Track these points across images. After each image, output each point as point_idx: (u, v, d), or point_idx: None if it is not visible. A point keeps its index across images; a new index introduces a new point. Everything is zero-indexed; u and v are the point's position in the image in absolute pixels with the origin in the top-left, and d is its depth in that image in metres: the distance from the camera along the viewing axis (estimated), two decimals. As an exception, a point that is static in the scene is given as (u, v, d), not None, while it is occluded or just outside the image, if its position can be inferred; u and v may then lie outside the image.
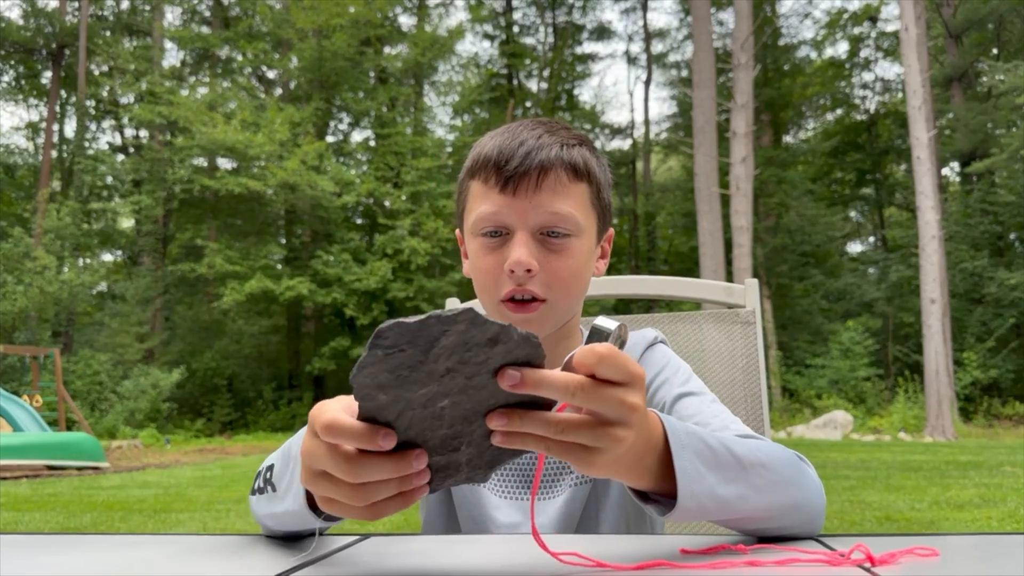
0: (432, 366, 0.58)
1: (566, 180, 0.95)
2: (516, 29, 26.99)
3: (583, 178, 0.97)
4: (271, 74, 24.06)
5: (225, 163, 20.56)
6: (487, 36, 26.60)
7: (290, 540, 0.84)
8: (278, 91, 23.48)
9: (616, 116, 46.97)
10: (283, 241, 22.48)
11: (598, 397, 0.59)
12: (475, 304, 1.30)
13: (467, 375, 0.59)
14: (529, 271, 0.93)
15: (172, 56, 24.45)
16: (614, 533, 1.03)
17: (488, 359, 0.58)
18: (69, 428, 13.81)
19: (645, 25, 28.01)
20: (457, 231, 1.07)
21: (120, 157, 23.18)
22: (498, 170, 0.94)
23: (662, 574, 0.62)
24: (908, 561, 0.64)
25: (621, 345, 0.66)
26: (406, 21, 24.60)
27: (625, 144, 28.48)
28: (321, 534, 0.84)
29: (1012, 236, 20.40)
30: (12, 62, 24.18)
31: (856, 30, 25.61)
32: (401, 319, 0.56)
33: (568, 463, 0.63)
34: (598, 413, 0.61)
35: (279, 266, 20.59)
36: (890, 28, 24.47)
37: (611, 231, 1.07)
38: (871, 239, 27.34)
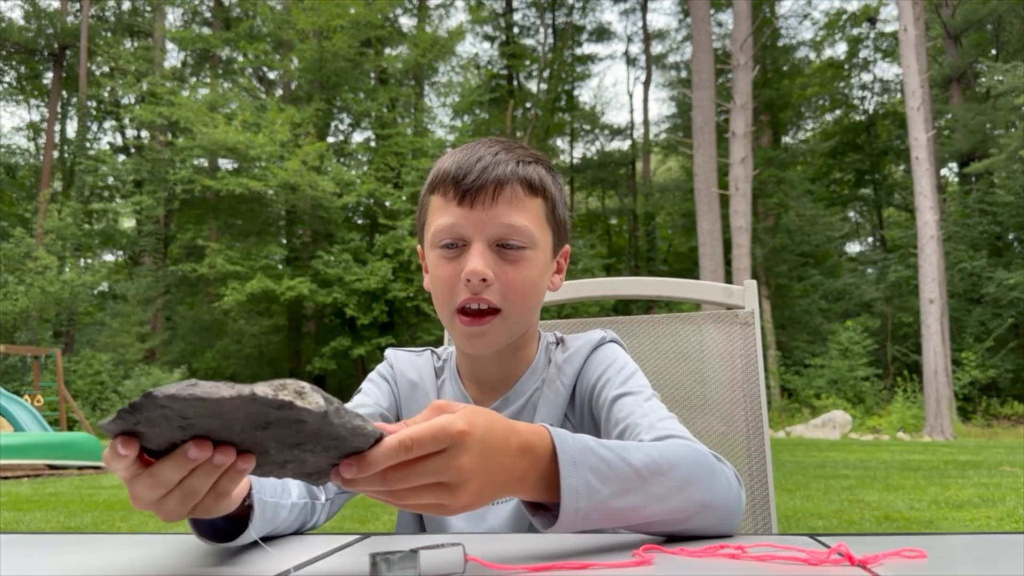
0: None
1: (522, 194, 0.98)
2: (516, 30, 26.99)
3: (538, 193, 1.00)
4: (272, 75, 24.07)
5: (226, 163, 20.56)
6: (487, 37, 26.60)
7: (288, 541, 0.85)
8: (279, 92, 23.47)
9: (616, 117, 46.84)
10: (284, 241, 22.49)
11: (425, 439, 0.62)
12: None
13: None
14: (484, 280, 0.95)
15: (173, 57, 24.49)
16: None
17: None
18: (70, 428, 13.80)
19: (644, 26, 28.01)
20: (419, 246, 1.09)
21: (121, 157, 23.19)
22: (456, 184, 0.97)
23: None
24: (894, 562, 0.65)
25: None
26: (406, 22, 24.63)
27: (625, 145, 28.51)
28: (266, 541, 0.82)
29: (1011, 236, 20.40)
30: (13, 62, 24.22)
31: (855, 31, 25.63)
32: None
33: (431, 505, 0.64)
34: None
35: (280, 266, 20.58)
36: (889, 29, 24.48)
37: (567, 248, 1.09)
38: (870, 239, 27.36)
